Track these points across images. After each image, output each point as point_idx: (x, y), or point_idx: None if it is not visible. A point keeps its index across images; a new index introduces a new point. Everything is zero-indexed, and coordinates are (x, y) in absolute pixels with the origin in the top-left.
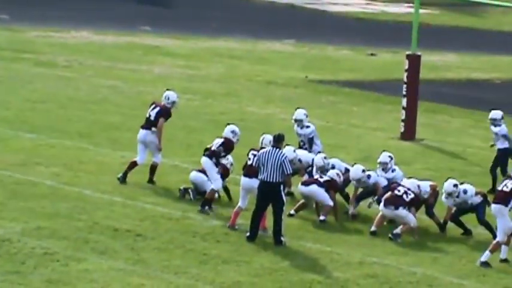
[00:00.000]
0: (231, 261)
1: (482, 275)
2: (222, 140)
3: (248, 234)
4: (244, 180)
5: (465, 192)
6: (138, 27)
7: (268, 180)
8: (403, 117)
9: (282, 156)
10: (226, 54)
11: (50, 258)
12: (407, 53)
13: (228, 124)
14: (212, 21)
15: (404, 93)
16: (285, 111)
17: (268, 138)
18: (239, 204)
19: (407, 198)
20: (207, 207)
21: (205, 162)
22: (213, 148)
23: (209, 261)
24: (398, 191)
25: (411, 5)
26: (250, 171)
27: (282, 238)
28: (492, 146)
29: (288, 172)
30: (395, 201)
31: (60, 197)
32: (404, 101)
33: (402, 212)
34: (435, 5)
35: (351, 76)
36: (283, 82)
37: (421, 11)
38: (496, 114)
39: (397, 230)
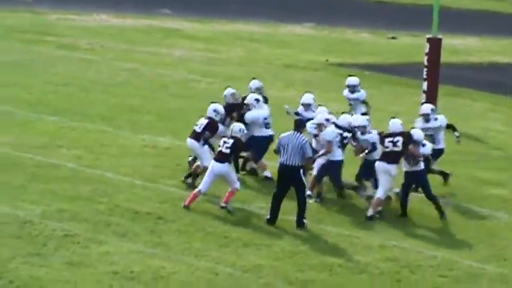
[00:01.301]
0: (252, 244)
1: (503, 259)
2: (206, 121)
3: (268, 217)
4: (215, 164)
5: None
6: (158, 10)
7: (288, 163)
8: (424, 100)
9: (303, 140)
10: (247, 37)
11: (70, 241)
12: (428, 36)
13: (212, 103)
14: (232, 4)
15: (425, 76)
16: None
17: (238, 126)
18: (200, 188)
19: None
20: (190, 179)
21: (191, 144)
22: (197, 130)
23: (230, 244)
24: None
25: None
26: (220, 156)
27: (305, 220)
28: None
29: (310, 155)
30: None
31: (81, 180)
32: (425, 85)
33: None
34: None
35: (371, 59)
36: (303, 65)
37: None
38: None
39: (370, 212)
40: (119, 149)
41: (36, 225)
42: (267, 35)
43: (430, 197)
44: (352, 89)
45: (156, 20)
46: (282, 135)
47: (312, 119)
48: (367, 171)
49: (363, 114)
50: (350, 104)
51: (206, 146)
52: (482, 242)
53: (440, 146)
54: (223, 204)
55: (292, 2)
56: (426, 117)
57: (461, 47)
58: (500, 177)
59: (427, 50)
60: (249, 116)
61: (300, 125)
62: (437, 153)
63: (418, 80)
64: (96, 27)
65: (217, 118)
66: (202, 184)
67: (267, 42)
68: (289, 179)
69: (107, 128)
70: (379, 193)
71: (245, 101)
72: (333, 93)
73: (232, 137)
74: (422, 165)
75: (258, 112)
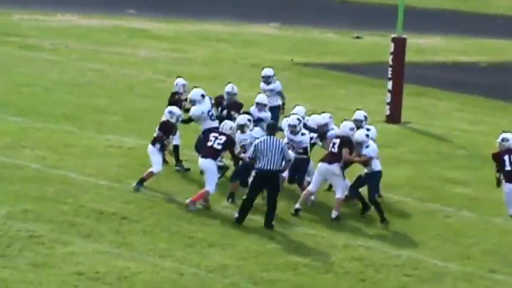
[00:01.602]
0: (217, 244)
1: (467, 257)
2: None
3: (237, 216)
4: (200, 160)
5: None
6: (123, 11)
7: (268, 168)
8: (389, 100)
9: (282, 144)
10: (212, 37)
11: (35, 241)
12: (393, 36)
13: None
14: (198, 4)
15: (389, 76)
16: None
17: (229, 124)
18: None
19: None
20: (140, 186)
21: (149, 148)
22: (154, 134)
23: (195, 244)
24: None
25: None
26: (208, 152)
27: (273, 223)
28: None
29: (290, 158)
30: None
31: (45, 180)
32: (389, 84)
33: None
34: None
35: (337, 59)
36: (268, 65)
37: None
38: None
39: (334, 214)
40: (83, 149)
41: (1, 226)
42: (233, 34)
43: (371, 200)
44: (267, 80)
45: (122, 20)
46: (258, 140)
47: (262, 119)
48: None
49: (282, 104)
50: (267, 96)
51: (160, 154)
52: (447, 241)
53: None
54: (188, 201)
55: (257, 2)
56: (358, 124)
57: (426, 47)
58: (465, 176)
59: (392, 50)
60: (192, 112)
61: (273, 128)
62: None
63: (383, 79)
64: (60, 27)
65: (172, 120)
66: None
67: (232, 42)
68: (268, 183)
69: (72, 128)
70: (338, 193)
71: (190, 96)
72: (298, 93)
73: (223, 134)
74: (375, 167)
75: (199, 107)
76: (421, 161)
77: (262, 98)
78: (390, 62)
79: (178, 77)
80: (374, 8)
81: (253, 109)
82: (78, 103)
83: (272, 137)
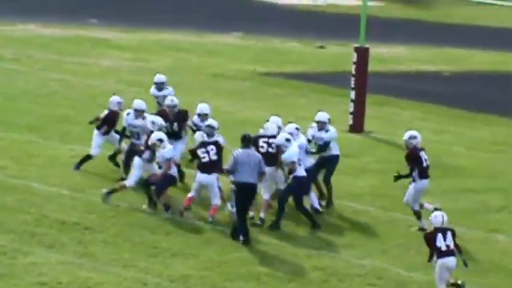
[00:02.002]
0: (180, 254)
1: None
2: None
3: (243, 239)
4: (200, 175)
5: None
6: (85, 20)
7: (249, 181)
8: (352, 109)
9: (258, 157)
10: (174, 46)
11: None
12: (356, 45)
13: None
14: (159, 13)
15: (352, 85)
16: (232, 103)
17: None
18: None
19: None
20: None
21: (136, 161)
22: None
23: (158, 254)
24: None
25: None
26: (210, 166)
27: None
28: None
29: (264, 171)
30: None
31: (7, 190)
32: (352, 94)
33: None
34: None
35: (299, 68)
36: (231, 75)
37: (369, 3)
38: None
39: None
40: (46, 159)
41: None
42: (195, 44)
43: (297, 209)
44: (160, 86)
45: (84, 30)
46: (237, 152)
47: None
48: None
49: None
50: (158, 103)
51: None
52: (410, 250)
53: (335, 152)
54: (210, 219)
55: (220, 11)
56: (321, 126)
57: (389, 56)
58: (430, 186)
59: (354, 59)
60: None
61: (249, 140)
62: (333, 159)
63: (346, 88)
64: (22, 37)
65: (154, 128)
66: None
67: (195, 51)
68: (250, 195)
69: (35, 138)
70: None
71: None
72: (260, 102)
73: (211, 143)
74: (299, 173)
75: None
76: (385, 170)
77: (204, 108)
78: (353, 72)
79: (114, 94)
80: (337, 17)
81: (195, 119)
82: (42, 113)
83: (250, 150)
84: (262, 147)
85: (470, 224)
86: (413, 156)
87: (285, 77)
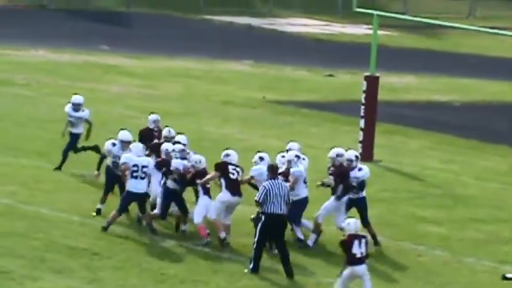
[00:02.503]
0: (188, 280)
1: None
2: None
3: (251, 266)
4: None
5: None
6: (96, 46)
7: (279, 212)
8: (361, 138)
9: (286, 188)
10: (184, 74)
11: (5, 277)
12: (366, 74)
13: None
14: (170, 40)
15: (362, 114)
16: (242, 131)
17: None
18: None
19: None
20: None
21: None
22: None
23: (166, 280)
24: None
25: (370, 26)
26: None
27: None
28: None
29: (290, 201)
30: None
31: (16, 216)
32: (362, 122)
33: None
34: (394, 26)
35: (309, 97)
36: (240, 102)
37: (379, 32)
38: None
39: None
40: (55, 184)
41: None
42: (205, 71)
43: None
44: (77, 107)
45: (94, 56)
46: (269, 183)
47: (80, 118)
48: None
49: (88, 132)
50: (71, 122)
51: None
52: (419, 280)
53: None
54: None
55: (230, 39)
56: (349, 163)
57: (399, 85)
58: (438, 215)
59: (364, 88)
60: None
61: (276, 170)
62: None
63: (356, 117)
64: (33, 62)
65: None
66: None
67: (204, 78)
68: (279, 228)
69: (43, 164)
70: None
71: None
72: (270, 130)
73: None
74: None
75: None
76: (393, 199)
77: (77, 98)
78: (363, 100)
79: (152, 113)
80: (347, 46)
81: (68, 107)
82: (51, 139)
83: (278, 180)
84: (232, 173)
85: (479, 254)
86: (339, 173)
87: (295, 105)
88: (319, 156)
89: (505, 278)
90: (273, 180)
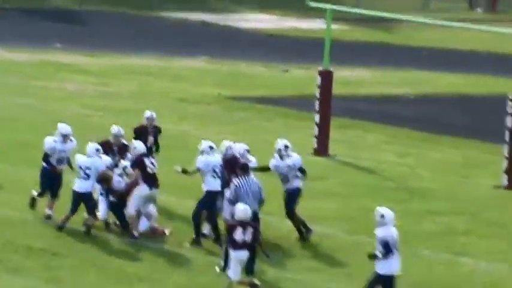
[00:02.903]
0: (147, 279)
1: None
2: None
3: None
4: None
5: None
6: (51, 45)
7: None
8: (316, 133)
9: (257, 184)
10: (140, 71)
11: None
12: (320, 69)
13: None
14: (124, 38)
15: (317, 109)
16: (198, 128)
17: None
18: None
19: None
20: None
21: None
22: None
23: (124, 279)
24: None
25: (323, 20)
26: None
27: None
28: None
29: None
30: None
31: None
32: (317, 117)
33: None
34: (347, 20)
35: (264, 92)
36: (196, 99)
37: (332, 26)
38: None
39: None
40: (12, 184)
41: None
42: (161, 68)
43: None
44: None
45: (49, 54)
46: (238, 182)
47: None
48: None
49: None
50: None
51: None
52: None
53: (295, 184)
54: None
55: (185, 35)
56: (280, 153)
57: (353, 79)
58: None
59: (318, 83)
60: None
61: (247, 168)
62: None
63: (311, 112)
64: None
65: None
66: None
67: (160, 75)
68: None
69: (0, 164)
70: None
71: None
72: (225, 127)
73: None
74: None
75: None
76: (349, 193)
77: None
78: (317, 95)
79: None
80: (301, 41)
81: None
82: (6, 138)
83: (249, 177)
84: (149, 167)
85: (436, 246)
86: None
87: (250, 101)
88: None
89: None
90: (244, 178)
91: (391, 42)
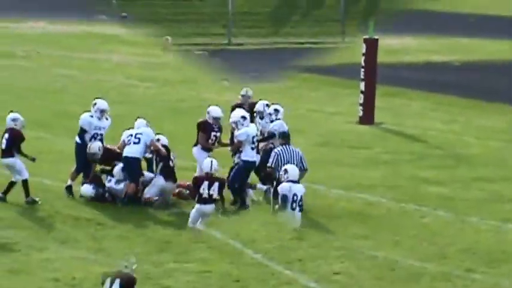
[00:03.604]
0: (190, 249)
1: (444, 257)
2: (6, 134)
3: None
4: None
5: None
6: (95, 17)
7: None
8: (362, 101)
9: (300, 153)
10: None
11: (10, 248)
12: (365, 37)
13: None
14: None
15: (362, 77)
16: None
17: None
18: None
19: None
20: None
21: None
22: (3, 147)
23: (169, 249)
24: None
25: None
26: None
27: None
28: None
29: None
30: None
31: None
32: (362, 85)
33: None
34: None
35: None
36: None
37: None
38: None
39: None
40: (57, 155)
41: None
42: None
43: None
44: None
45: (93, 26)
46: (279, 149)
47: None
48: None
49: None
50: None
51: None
52: (423, 241)
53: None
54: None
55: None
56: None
57: (398, 47)
58: (440, 176)
59: (363, 51)
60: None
61: (288, 137)
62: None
63: (356, 80)
64: (32, 34)
65: (18, 127)
66: None
67: None
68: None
69: (45, 135)
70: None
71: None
72: (270, 95)
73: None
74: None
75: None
76: (395, 161)
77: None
78: (362, 63)
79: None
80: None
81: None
82: (51, 109)
83: (290, 146)
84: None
85: (482, 213)
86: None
87: (295, 70)
88: (320, 120)
89: None
90: (285, 146)
91: (436, 9)
